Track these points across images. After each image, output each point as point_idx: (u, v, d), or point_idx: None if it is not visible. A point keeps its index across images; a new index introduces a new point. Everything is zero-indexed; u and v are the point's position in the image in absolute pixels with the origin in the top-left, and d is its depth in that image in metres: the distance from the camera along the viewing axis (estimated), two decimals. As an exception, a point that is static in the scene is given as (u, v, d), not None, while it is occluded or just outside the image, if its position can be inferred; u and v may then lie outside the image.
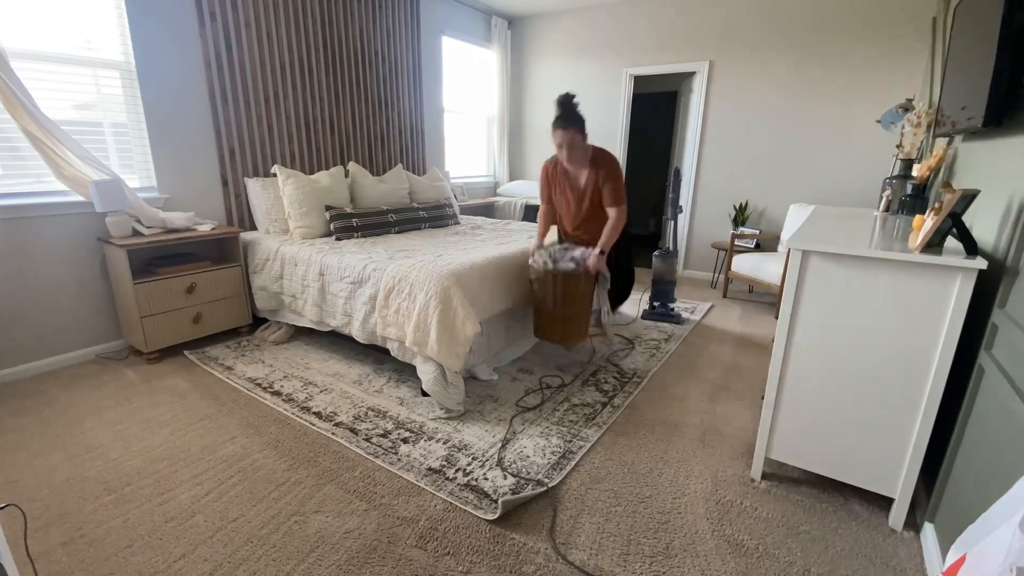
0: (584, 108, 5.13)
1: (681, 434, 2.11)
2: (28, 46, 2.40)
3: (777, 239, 4.24)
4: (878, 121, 2.75)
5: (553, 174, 2.68)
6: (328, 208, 3.20)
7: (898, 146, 2.47)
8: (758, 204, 4.47)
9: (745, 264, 3.90)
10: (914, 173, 2.37)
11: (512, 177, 5.82)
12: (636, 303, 3.93)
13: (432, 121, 4.74)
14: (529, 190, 5.30)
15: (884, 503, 1.69)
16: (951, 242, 1.55)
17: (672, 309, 3.59)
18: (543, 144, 5.61)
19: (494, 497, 1.68)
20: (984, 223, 1.66)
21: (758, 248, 4.29)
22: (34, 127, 2.33)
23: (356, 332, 2.54)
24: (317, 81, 3.60)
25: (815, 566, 1.44)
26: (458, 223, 3.90)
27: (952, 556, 0.80)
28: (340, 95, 3.78)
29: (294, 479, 1.78)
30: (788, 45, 4.05)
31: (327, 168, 3.75)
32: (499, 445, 1.99)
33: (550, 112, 5.46)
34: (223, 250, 3.06)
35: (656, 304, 3.60)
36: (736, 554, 1.48)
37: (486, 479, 1.78)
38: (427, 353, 2.19)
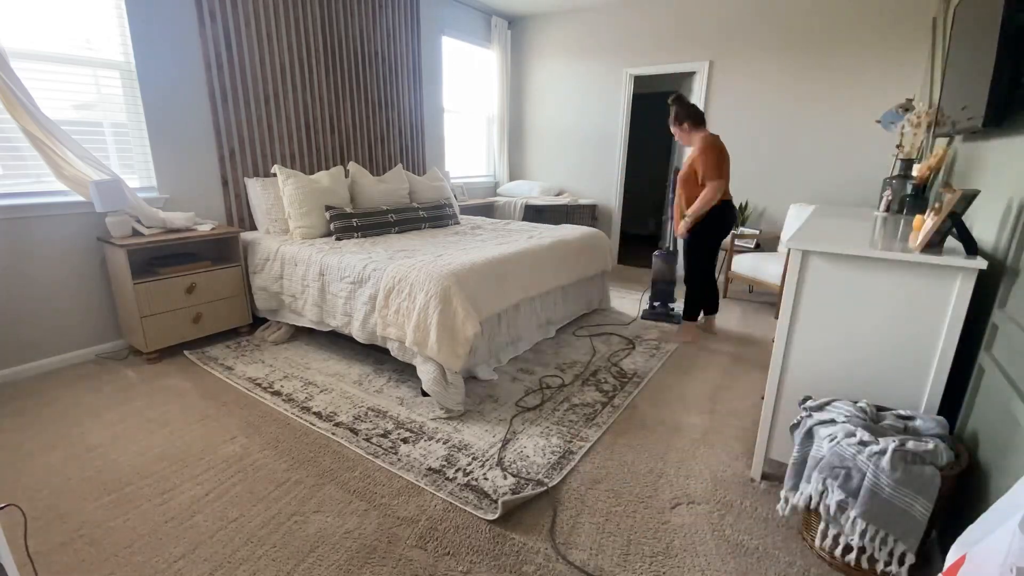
0: (584, 108, 5.21)
1: (681, 434, 2.11)
2: (28, 46, 2.40)
3: (777, 239, 4.24)
4: (878, 121, 2.75)
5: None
6: (328, 208, 3.20)
7: (898, 146, 2.47)
8: (758, 204, 4.47)
9: (745, 264, 3.90)
10: (914, 173, 2.37)
11: (512, 177, 5.82)
12: (636, 303, 3.93)
13: (432, 121, 4.74)
14: (529, 190, 5.30)
15: (884, 503, 1.69)
16: (951, 242, 1.55)
17: (672, 309, 3.59)
18: (543, 144, 5.61)
19: (494, 497, 1.68)
20: (984, 223, 1.66)
21: (758, 248, 4.29)
22: (34, 127, 2.33)
23: (356, 332, 2.54)
24: (317, 81, 3.60)
25: (815, 566, 1.44)
26: (458, 223, 3.90)
27: (952, 556, 0.80)
28: (340, 95, 3.78)
29: (294, 479, 1.78)
30: (788, 45, 4.05)
31: (327, 168, 3.75)
32: (499, 445, 1.99)
33: (550, 112, 5.46)
34: (223, 250, 3.05)
35: (656, 304, 3.60)
36: (736, 554, 1.48)
37: (486, 479, 1.78)
38: (427, 353, 2.19)
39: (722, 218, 2.96)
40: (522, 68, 5.54)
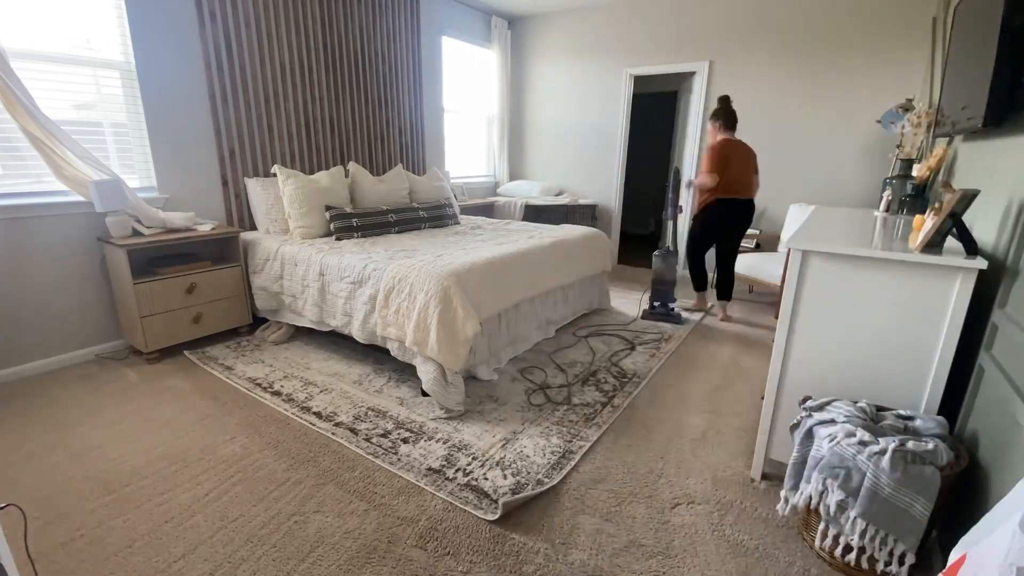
0: (584, 108, 5.21)
1: (681, 434, 2.11)
2: (28, 46, 2.40)
3: (777, 239, 4.24)
4: (878, 121, 2.75)
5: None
6: (328, 208, 3.20)
7: (898, 146, 2.47)
8: (758, 204, 4.46)
9: (745, 264, 3.89)
10: (914, 173, 2.38)
11: (512, 177, 5.82)
12: (636, 303, 3.93)
13: (432, 121, 4.74)
14: (529, 190, 5.30)
15: (884, 503, 1.69)
16: (951, 242, 1.55)
17: (672, 309, 3.59)
18: (543, 144, 5.60)
19: (494, 497, 1.68)
20: (984, 223, 1.66)
21: (758, 248, 4.29)
22: (34, 127, 2.33)
23: (356, 332, 2.54)
24: (317, 81, 3.60)
25: (815, 566, 1.44)
26: (458, 223, 3.90)
27: (953, 556, 0.80)
28: (340, 95, 3.78)
29: (294, 479, 1.77)
30: (788, 45, 4.05)
31: (327, 168, 3.75)
32: (499, 445, 1.99)
33: (550, 112, 5.46)
34: (223, 250, 3.05)
35: (656, 304, 3.60)
36: (736, 554, 1.48)
37: (486, 479, 1.78)
38: (427, 353, 2.19)
39: (716, 214, 3.37)
40: (522, 68, 5.54)
